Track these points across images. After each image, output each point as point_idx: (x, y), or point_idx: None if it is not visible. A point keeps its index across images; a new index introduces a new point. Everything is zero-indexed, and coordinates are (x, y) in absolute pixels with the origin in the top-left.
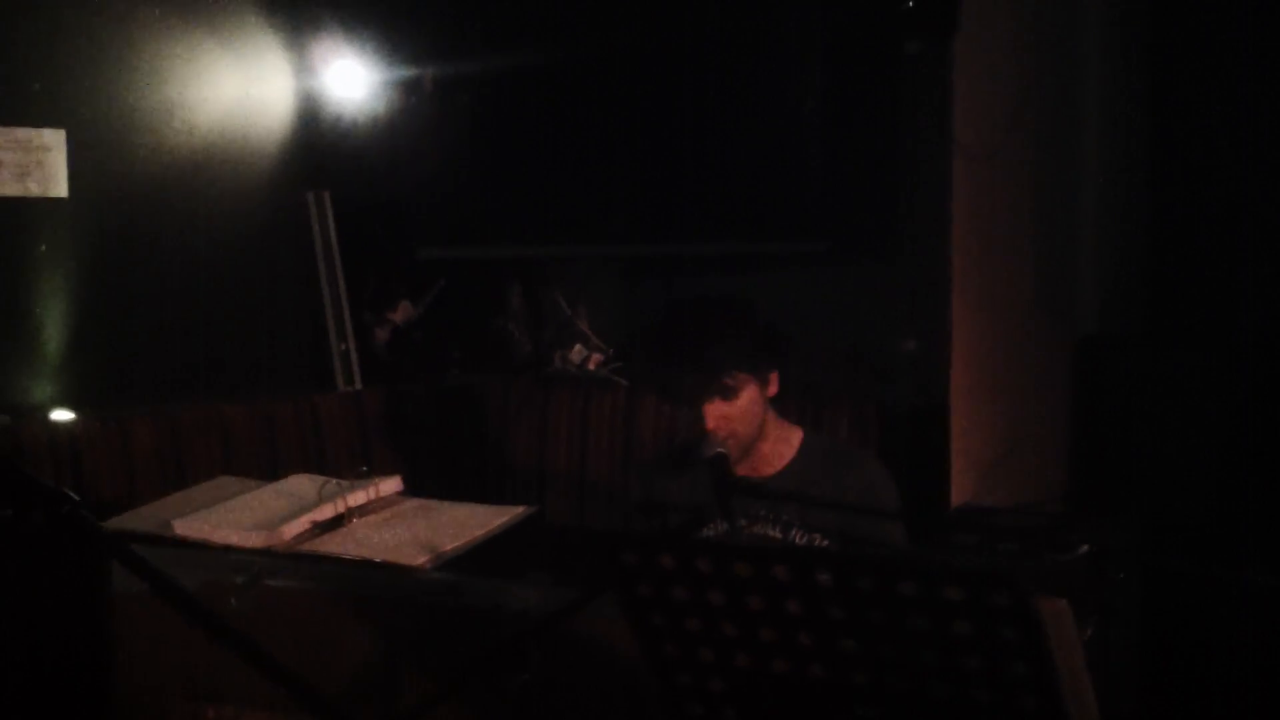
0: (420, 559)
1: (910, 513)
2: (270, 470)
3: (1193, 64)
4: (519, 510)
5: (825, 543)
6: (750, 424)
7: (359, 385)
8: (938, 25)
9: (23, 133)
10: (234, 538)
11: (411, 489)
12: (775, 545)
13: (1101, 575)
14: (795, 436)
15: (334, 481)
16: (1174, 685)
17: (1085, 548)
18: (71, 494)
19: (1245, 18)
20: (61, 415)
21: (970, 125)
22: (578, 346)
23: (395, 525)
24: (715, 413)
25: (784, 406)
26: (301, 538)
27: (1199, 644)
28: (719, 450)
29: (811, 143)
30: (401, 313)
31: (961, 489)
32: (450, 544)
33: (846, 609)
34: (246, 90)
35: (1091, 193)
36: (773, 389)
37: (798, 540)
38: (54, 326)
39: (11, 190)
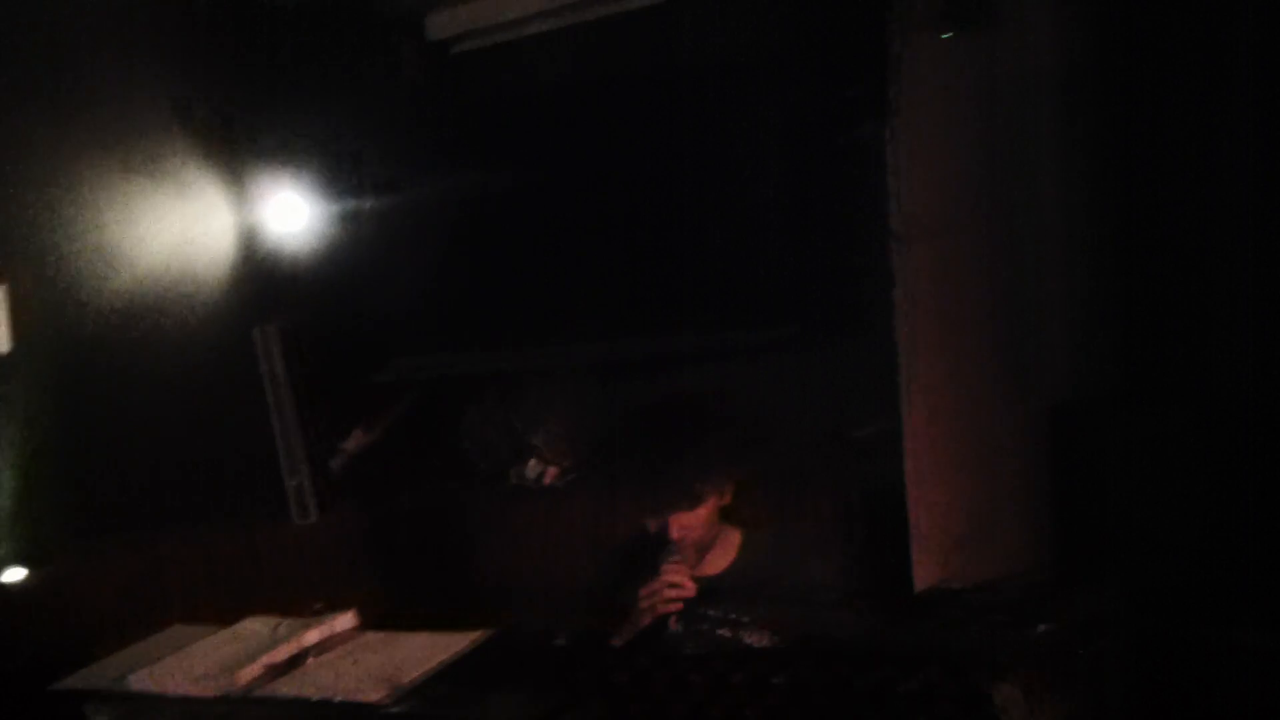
0: (379, 694)
1: (877, 595)
2: (230, 607)
3: (1154, 122)
4: (478, 634)
5: (771, 638)
6: (707, 531)
7: (313, 518)
8: (883, 108)
9: None
10: (189, 688)
11: (375, 614)
12: (727, 649)
13: (1081, 646)
14: (735, 537)
15: (287, 622)
16: None
17: (1059, 620)
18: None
19: (1204, 80)
20: (13, 574)
21: (923, 201)
22: (532, 461)
23: (353, 661)
24: (679, 523)
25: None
26: (257, 682)
27: (1191, 708)
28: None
29: (772, 230)
30: (354, 441)
31: (931, 567)
32: (410, 675)
33: (804, 709)
34: (187, 230)
35: (1057, 260)
36: (728, 498)
37: (753, 641)
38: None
39: None
